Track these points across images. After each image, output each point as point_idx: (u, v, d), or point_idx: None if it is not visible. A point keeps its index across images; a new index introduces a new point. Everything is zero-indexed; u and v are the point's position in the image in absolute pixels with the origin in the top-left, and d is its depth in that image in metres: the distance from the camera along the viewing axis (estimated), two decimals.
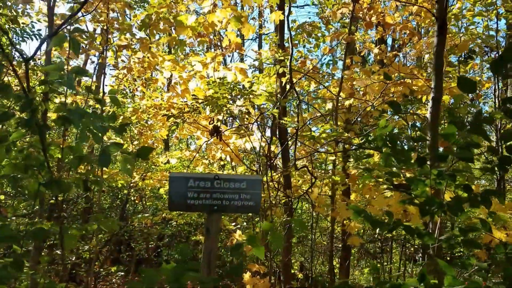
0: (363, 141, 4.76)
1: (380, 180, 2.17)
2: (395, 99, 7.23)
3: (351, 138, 5.26)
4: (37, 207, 6.97)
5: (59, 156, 2.62)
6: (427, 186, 1.97)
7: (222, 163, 11.39)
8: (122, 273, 9.91)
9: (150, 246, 13.32)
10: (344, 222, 4.58)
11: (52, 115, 7.09)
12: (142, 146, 2.21)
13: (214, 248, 3.82)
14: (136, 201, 12.65)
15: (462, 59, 8.16)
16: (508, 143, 2.00)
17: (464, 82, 1.99)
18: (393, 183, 2.18)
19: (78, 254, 9.41)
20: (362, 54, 7.90)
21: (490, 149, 2.01)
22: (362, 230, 10.90)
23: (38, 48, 2.59)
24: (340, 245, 9.62)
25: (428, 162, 2.09)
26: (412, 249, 11.97)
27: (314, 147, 5.95)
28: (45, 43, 5.01)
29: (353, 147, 6.48)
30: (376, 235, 10.65)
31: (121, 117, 7.89)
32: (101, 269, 9.22)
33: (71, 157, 2.46)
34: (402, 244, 10.61)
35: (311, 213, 7.74)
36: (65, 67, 2.40)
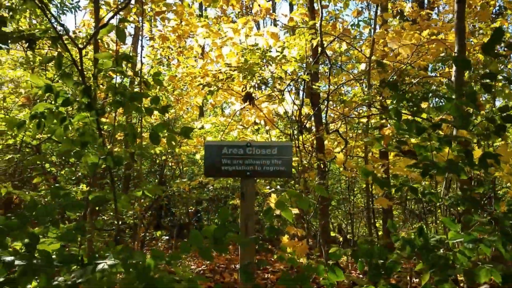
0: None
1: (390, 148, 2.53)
2: (429, 57, 7.45)
3: (384, 99, 5.58)
4: (79, 174, 7.70)
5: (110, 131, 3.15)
6: (428, 151, 2.38)
7: (256, 127, 11.88)
8: (167, 237, 10.69)
9: (189, 210, 14.10)
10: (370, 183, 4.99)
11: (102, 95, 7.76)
12: (184, 126, 2.70)
13: (250, 211, 4.33)
14: (173, 166, 13.36)
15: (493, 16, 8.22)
16: (503, 114, 2.39)
17: (487, 47, 2.34)
18: (402, 150, 2.59)
19: (123, 219, 10.22)
20: (394, 13, 8.08)
21: (488, 119, 2.39)
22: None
23: (91, 38, 3.09)
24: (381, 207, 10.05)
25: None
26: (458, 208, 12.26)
27: (347, 110, 6.31)
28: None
29: (389, 107, 6.80)
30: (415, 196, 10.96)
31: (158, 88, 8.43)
32: (146, 234, 10.01)
33: (121, 133, 3.01)
34: (440, 205, 10.94)
35: (347, 176, 8.16)
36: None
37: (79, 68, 2.89)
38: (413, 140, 2.68)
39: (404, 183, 2.49)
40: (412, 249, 2.47)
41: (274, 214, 6.41)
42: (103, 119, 3.17)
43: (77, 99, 2.72)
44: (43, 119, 2.80)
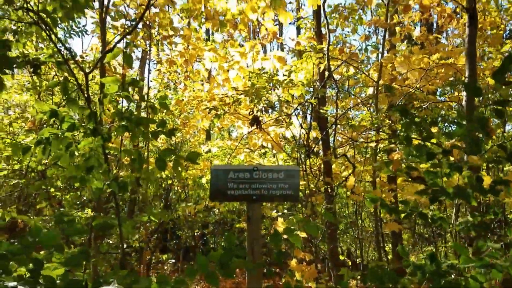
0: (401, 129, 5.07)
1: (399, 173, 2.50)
2: (438, 81, 7.45)
3: (393, 123, 5.56)
4: (84, 198, 7.70)
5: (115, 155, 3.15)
6: (438, 177, 2.34)
7: (263, 150, 11.87)
8: (173, 260, 10.62)
9: (196, 234, 14.03)
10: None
11: (107, 119, 7.79)
12: (191, 152, 2.69)
13: (256, 235, 4.28)
14: (179, 190, 13.33)
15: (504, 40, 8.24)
16: None
17: (497, 75, 2.33)
18: (411, 176, 2.56)
19: (128, 243, 10.17)
20: (402, 37, 8.11)
21: (500, 146, 2.36)
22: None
23: (98, 62, 3.11)
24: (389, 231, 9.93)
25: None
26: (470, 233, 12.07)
27: (355, 134, 6.29)
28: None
29: (397, 133, 6.79)
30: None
31: (164, 111, 8.48)
32: (152, 257, 9.94)
33: (126, 157, 3.00)
34: (450, 229, 10.78)
35: (354, 200, 8.09)
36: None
37: (85, 93, 2.90)
38: (422, 166, 2.64)
39: (413, 208, 2.45)
40: (423, 275, 2.42)
41: (282, 238, 6.35)
42: (109, 144, 3.17)
43: (83, 124, 2.72)
44: (48, 145, 2.80)
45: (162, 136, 2.92)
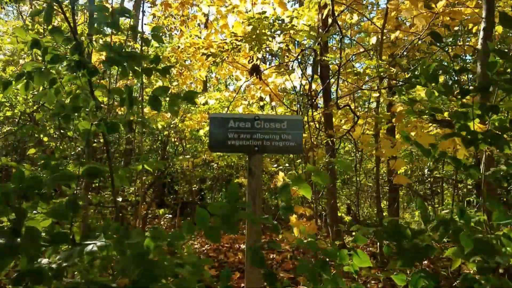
0: (409, 76, 4.76)
1: (424, 116, 2.21)
2: (442, 29, 7.06)
3: (397, 73, 5.23)
4: (80, 148, 7.39)
5: (105, 99, 2.81)
6: (470, 119, 2.05)
7: (261, 103, 11.54)
8: (170, 216, 10.45)
9: (193, 188, 13.85)
10: (389, 161, 4.65)
11: (96, 56, 7.34)
12: (189, 90, 2.38)
13: (258, 188, 4.03)
14: (176, 143, 13.07)
15: None
16: None
17: (505, 18, 2.03)
18: (435, 119, 2.26)
19: (124, 196, 9.97)
20: None
21: None
22: (409, 171, 10.96)
23: None
24: (387, 187, 9.76)
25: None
26: (464, 190, 11.96)
27: (357, 85, 5.95)
28: None
29: (400, 83, 6.46)
30: (424, 176, 10.67)
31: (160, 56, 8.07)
32: (148, 212, 9.75)
33: (117, 98, 2.67)
34: (453, 185, 10.62)
35: (354, 153, 7.85)
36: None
37: (70, 22, 2.55)
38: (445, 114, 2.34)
39: (442, 153, 2.16)
40: (446, 230, 2.16)
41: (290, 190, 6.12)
42: (98, 81, 2.84)
43: (67, 56, 2.39)
44: (30, 80, 2.48)
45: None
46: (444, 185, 10.97)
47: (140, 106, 7.24)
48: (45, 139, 7.14)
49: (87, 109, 2.46)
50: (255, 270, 3.51)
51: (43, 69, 2.44)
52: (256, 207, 3.99)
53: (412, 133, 6.48)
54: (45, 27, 6.71)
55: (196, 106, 10.19)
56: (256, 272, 3.52)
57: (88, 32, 2.55)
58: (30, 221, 2.41)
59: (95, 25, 2.54)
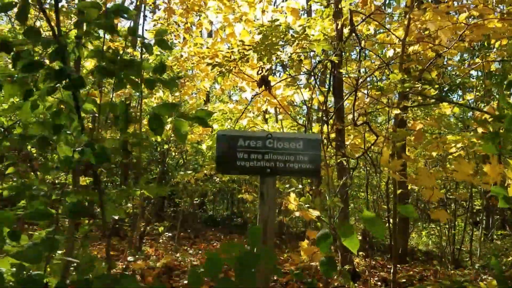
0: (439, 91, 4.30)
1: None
2: (466, 44, 6.58)
3: (424, 89, 4.73)
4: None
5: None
6: None
7: (266, 116, 11.04)
8: (169, 234, 9.92)
9: (194, 201, 13.34)
10: (423, 191, 4.15)
11: (88, 64, 6.81)
12: (200, 109, 1.86)
13: (271, 215, 3.54)
14: (176, 156, 12.57)
15: None
16: None
17: None
18: None
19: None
20: None
21: None
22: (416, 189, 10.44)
23: None
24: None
25: None
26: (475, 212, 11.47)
27: (381, 100, 5.44)
28: None
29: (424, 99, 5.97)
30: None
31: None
32: (147, 227, 9.20)
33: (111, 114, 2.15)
34: (466, 208, 10.10)
35: (366, 174, 7.33)
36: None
37: (51, 21, 2.03)
38: None
39: None
40: None
41: (294, 216, 5.54)
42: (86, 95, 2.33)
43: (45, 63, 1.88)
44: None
45: (158, 95, 2.09)
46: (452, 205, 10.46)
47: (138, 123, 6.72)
48: (34, 151, 6.61)
49: (68, 131, 1.94)
50: None
51: (15, 78, 1.93)
52: (267, 234, 3.49)
53: (434, 153, 5.99)
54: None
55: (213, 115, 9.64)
56: None
57: (77, 34, 2.03)
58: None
59: (85, 25, 2.04)
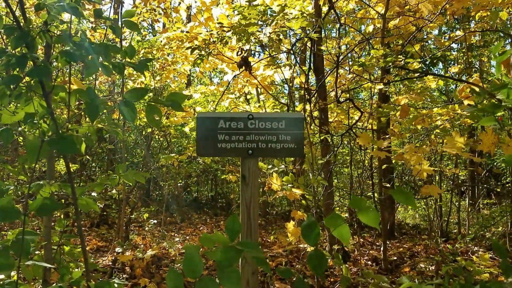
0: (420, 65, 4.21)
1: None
2: (448, 17, 6.51)
3: (408, 62, 4.62)
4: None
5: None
6: None
7: (248, 96, 10.91)
8: (155, 221, 9.83)
9: (179, 184, 13.25)
10: (413, 168, 4.06)
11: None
12: (173, 92, 1.74)
13: (254, 198, 3.43)
14: (161, 139, 12.42)
15: None
16: None
17: None
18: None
19: (107, 196, 9.31)
20: None
21: None
22: (400, 163, 10.45)
23: None
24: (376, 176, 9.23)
25: None
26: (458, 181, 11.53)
27: (364, 76, 5.34)
28: None
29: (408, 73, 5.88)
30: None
31: (142, 51, 7.39)
32: (133, 214, 9.08)
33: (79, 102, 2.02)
34: (451, 178, 10.16)
35: (350, 150, 7.26)
36: None
37: (9, 6, 1.87)
38: None
39: None
40: None
41: (278, 196, 5.45)
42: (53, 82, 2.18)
43: (7, 50, 1.73)
44: None
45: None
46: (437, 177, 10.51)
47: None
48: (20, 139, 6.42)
49: (34, 121, 1.82)
50: None
51: None
52: (251, 217, 3.38)
53: (418, 126, 5.93)
54: None
55: (186, 98, 9.50)
56: None
57: (46, 20, 1.89)
58: None
59: (46, 9, 1.89)
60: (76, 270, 1.85)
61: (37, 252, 2.25)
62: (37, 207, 1.65)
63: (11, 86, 1.96)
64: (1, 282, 1.66)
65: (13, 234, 1.97)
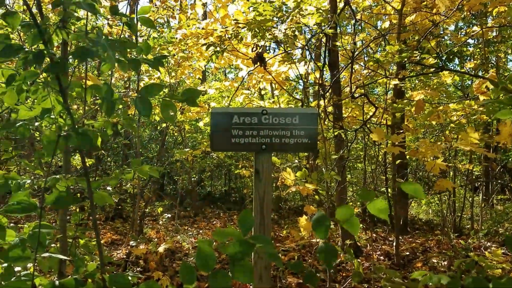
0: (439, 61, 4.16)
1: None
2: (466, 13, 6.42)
3: (423, 58, 4.57)
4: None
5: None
6: None
7: (262, 92, 10.92)
8: (168, 215, 9.88)
9: (192, 179, 13.32)
10: (426, 163, 4.03)
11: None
12: (188, 88, 1.75)
13: (267, 193, 3.43)
14: (175, 134, 12.50)
15: None
16: None
17: None
18: None
19: (121, 190, 9.39)
20: None
21: None
22: (414, 159, 10.39)
23: None
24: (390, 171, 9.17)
25: None
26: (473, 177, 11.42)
27: (379, 72, 5.30)
28: None
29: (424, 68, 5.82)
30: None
31: (158, 48, 7.43)
32: (147, 208, 9.15)
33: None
34: (465, 173, 10.06)
35: (364, 145, 7.22)
36: None
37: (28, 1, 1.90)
38: None
39: None
40: None
41: (291, 191, 5.45)
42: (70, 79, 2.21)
43: (25, 47, 1.76)
44: None
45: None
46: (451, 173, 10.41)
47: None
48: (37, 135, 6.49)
49: (51, 116, 1.84)
50: None
51: None
52: (264, 214, 3.39)
53: (433, 122, 5.88)
54: None
55: (200, 94, 9.54)
56: None
57: (60, 16, 1.90)
58: None
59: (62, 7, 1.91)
60: (91, 263, 1.87)
61: (52, 245, 2.29)
62: (53, 201, 1.67)
63: (28, 82, 1.99)
64: (18, 274, 1.68)
65: (29, 227, 2.00)
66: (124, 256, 6.28)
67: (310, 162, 6.82)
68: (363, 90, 5.82)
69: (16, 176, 1.99)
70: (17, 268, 1.82)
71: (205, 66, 9.97)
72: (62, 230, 2.28)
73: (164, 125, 9.93)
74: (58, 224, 2.31)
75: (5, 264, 1.72)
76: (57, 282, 1.57)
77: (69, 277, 1.63)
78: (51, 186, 1.95)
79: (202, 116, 10.02)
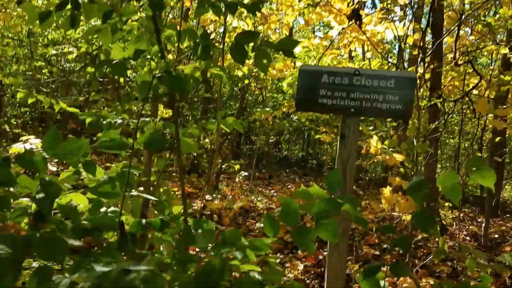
0: None
1: None
2: None
3: None
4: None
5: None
6: None
7: (353, 54, 10.63)
8: (245, 173, 10.03)
9: (270, 140, 13.40)
10: None
11: None
12: (285, 38, 1.71)
13: (351, 158, 3.34)
14: (256, 92, 12.56)
15: None
16: None
17: None
18: None
19: (199, 145, 9.66)
20: None
21: None
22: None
23: None
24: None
25: None
26: None
27: (489, 37, 4.95)
28: None
29: None
30: None
31: None
32: (223, 165, 9.36)
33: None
34: None
35: (461, 119, 6.86)
36: None
37: None
38: None
39: None
40: None
41: (374, 162, 5.32)
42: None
43: None
44: (77, 12, 1.92)
45: None
46: None
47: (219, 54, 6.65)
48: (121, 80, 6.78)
49: (147, 56, 1.88)
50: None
51: None
52: (347, 180, 3.32)
53: None
54: None
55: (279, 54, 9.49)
56: None
57: None
58: (72, 195, 1.91)
59: None
60: (175, 206, 1.93)
61: (140, 188, 2.39)
62: (146, 141, 1.72)
63: (123, 20, 2.03)
64: (105, 209, 1.77)
65: (117, 167, 2.09)
66: (200, 209, 6.52)
67: (399, 132, 6.61)
68: (467, 58, 5.47)
69: (108, 114, 2.08)
70: (102, 209, 1.90)
71: (293, 22, 9.83)
72: (147, 175, 2.38)
73: (246, 81, 9.98)
74: (142, 168, 2.40)
75: (93, 200, 1.82)
76: (143, 221, 1.65)
77: (154, 218, 1.70)
78: (141, 128, 2.02)
79: (285, 75, 9.94)
